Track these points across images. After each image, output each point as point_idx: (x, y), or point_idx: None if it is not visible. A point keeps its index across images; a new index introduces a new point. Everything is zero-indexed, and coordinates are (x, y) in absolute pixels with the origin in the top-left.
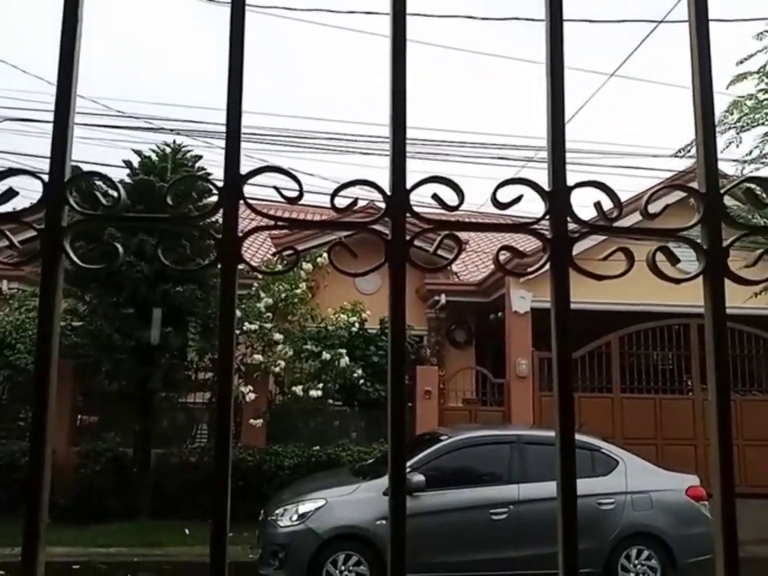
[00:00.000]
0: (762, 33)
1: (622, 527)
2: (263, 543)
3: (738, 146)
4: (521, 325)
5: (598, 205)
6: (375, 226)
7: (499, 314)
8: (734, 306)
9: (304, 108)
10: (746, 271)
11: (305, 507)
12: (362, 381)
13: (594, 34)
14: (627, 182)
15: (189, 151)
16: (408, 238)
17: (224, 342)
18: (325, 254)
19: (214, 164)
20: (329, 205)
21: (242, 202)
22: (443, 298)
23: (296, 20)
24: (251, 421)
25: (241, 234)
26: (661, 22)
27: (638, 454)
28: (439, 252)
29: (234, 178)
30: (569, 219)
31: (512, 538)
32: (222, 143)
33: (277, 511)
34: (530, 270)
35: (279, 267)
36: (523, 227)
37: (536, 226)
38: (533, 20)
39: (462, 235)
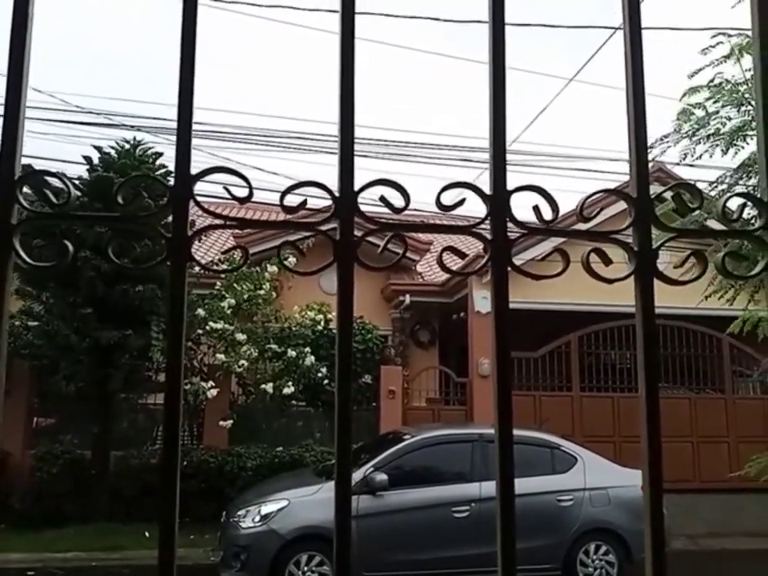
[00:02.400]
0: (706, 48)
1: (580, 523)
2: (225, 545)
3: (692, 156)
4: (483, 325)
5: (536, 208)
6: (330, 226)
7: (462, 314)
8: (688, 307)
9: (272, 107)
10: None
11: (267, 508)
12: (326, 381)
13: (558, 40)
14: (588, 185)
15: (150, 148)
16: (356, 238)
17: (173, 341)
18: (291, 258)
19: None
20: (293, 204)
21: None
22: (407, 299)
23: (262, 18)
24: (221, 422)
25: (190, 233)
26: (617, 28)
27: (597, 451)
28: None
29: (184, 178)
30: (508, 221)
31: (474, 535)
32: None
33: (239, 512)
34: (470, 270)
35: (244, 268)
36: (466, 229)
37: (478, 228)
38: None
39: (427, 236)
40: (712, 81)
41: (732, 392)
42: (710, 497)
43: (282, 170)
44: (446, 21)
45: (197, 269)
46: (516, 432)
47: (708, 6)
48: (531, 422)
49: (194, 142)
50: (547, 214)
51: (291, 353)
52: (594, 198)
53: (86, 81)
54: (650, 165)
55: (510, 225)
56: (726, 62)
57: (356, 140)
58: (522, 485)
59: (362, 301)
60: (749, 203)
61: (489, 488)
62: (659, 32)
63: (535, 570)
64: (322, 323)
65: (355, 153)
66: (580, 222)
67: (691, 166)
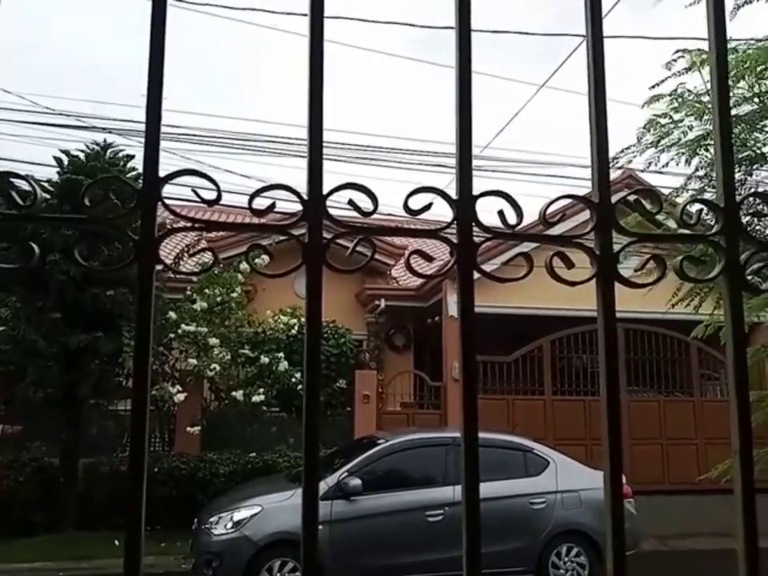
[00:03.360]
0: (669, 62)
1: (552, 525)
2: (196, 552)
3: (656, 164)
4: (456, 328)
5: (501, 213)
6: (300, 231)
7: (437, 318)
8: (658, 312)
9: (245, 110)
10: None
11: (240, 514)
12: (300, 386)
13: (533, 48)
14: (561, 191)
15: (121, 150)
16: (325, 241)
17: (140, 343)
18: (264, 256)
19: None
20: (263, 206)
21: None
22: (383, 303)
23: (234, 20)
24: (188, 429)
25: (158, 236)
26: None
27: (569, 454)
28: (377, 257)
29: (152, 180)
30: (474, 225)
31: (447, 539)
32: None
33: (211, 519)
34: (437, 273)
35: (216, 271)
36: (432, 233)
37: (445, 232)
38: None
39: (402, 241)
40: (675, 91)
41: (700, 395)
42: (679, 498)
43: (256, 174)
44: (421, 27)
45: (170, 273)
46: (489, 435)
47: (674, 18)
48: (504, 425)
49: (167, 144)
50: (513, 218)
51: (264, 359)
52: (558, 203)
53: (57, 82)
54: (620, 172)
55: (475, 229)
56: (687, 72)
57: (331, 144)
58: (495, 488)
59: (337, 305)
60: (705, 208)
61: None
62: (628, 44)
63: (508, 573)
64: (296, 327)
65: (329, 157)
66: (544, 227)
67: (660, 173)
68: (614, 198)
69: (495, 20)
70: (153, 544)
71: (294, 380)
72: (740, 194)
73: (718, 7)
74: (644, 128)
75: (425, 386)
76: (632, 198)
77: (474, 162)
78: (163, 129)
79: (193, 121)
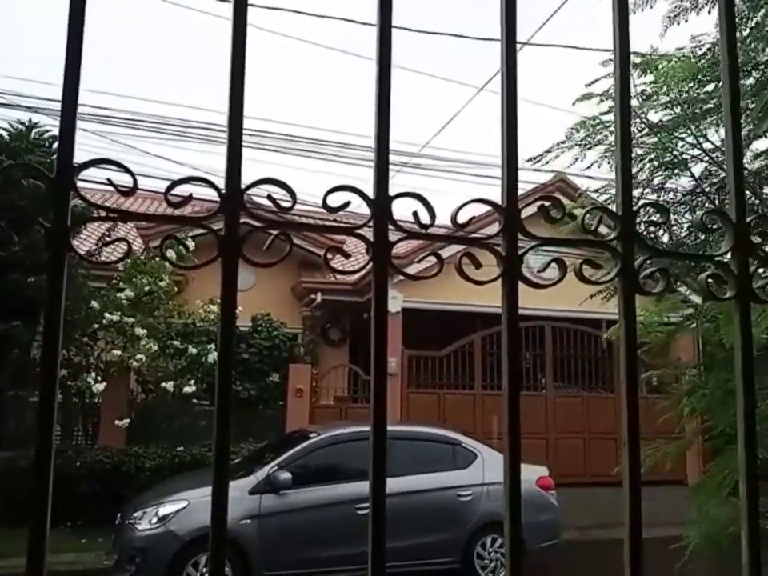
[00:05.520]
0: (607, 60)
1: (478, 517)
2: (119, 548)
3: (582, 161)
4: (392, 324)
5: (415, 214)
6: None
7: None
8: (582, 310)
9: (184, 95)
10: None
11: (166, 509)
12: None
13: (475, 49)
14: (496, 191)
15: (47, 131)
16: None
17: (49, 337)
18: (189, 243)
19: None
20: (206, 197)
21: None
22: (319, 297)
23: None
24: (117, 422)
25: (70, 224)
26: (525, 44)
27: (496, 447)
28: (314, 251)
29: (66, 168)
30: (389, 225)
31: None
32: (86, 125)
33: (135, 514)
34: (353, 269)
35: (143, 258)
36: (349, 230)
37: (362, 231)
38: (409, 29)
39: (338, 237)
40: (606, 91)
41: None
42: (600, 490)
43: (194, 162)
44: (368, 25)
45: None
46: (419, 429)
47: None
48: (435, 419)
49: (98, 127)
50: (426, 219)
51: (192, 350)
52: (484, 207)
53: None
54: (552, 176)
55: (391, 228)
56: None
57: (276, 135)
58: (424, 480)
59: (273, 298)
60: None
61: (391, 484)
62: (565, 47)
63: (435, 564)
64: None
65: (274, 148)
66: (455, 229)
67: (591, 178)
68: (535, 204)
69: (433, 22)
70: (73, 540)
71: None
72: (659, 198)
73: (623, 22)
74: (572, 128)
75: (359, 380)
76: (541, 203)
77: (415, 160)
78: (98, 111)
79: (130, 105)
